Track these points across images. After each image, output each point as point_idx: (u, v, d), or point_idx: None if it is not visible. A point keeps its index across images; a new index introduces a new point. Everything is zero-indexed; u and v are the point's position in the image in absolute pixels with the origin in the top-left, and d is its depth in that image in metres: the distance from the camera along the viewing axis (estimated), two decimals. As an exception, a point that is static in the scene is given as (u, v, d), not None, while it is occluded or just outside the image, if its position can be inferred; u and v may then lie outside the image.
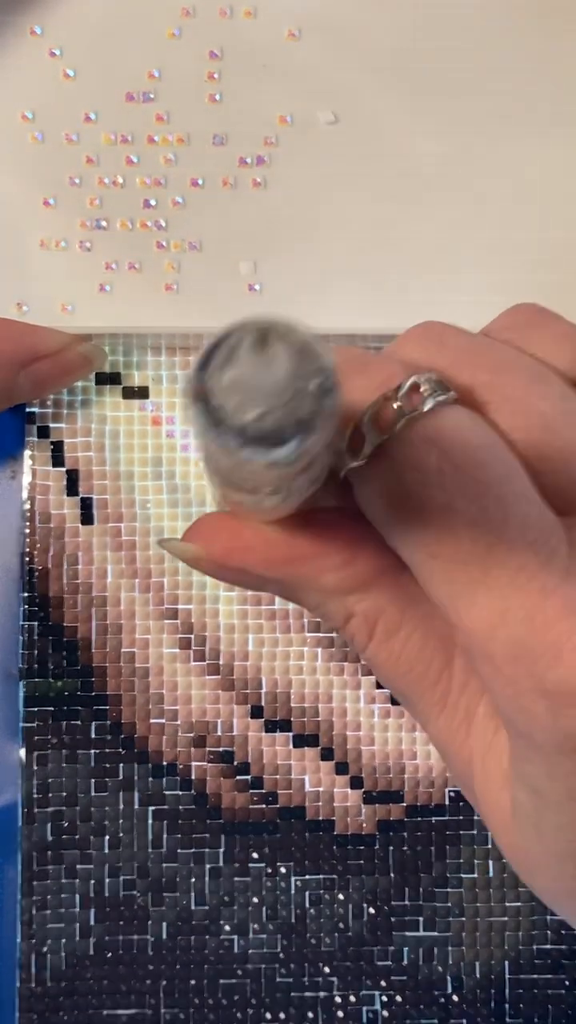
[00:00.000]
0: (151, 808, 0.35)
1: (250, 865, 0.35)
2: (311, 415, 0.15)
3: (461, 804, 0.35)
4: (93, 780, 0.35)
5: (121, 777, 0.35)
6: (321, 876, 0.35)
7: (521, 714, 0.18)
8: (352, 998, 0.34)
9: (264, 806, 0.35)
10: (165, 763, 0.35)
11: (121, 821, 0.35)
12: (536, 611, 0.18)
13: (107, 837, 0.34)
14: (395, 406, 0.18)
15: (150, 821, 0.35)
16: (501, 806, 0.21)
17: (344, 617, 0.21)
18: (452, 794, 0.35)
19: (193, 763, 0.35)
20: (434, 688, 0.21)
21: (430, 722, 0.22)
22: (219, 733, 0.35)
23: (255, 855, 0.35)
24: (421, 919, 0.35)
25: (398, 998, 0.34)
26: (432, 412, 0.18)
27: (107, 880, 0.34)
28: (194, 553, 0.21)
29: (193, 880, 0.35)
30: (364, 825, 0.35)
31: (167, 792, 0.35)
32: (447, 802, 0.35)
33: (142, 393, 0.35)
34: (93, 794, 0.35)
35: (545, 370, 0.20)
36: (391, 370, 0.19)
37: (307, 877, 0.35)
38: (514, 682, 0.18)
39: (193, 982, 0.34)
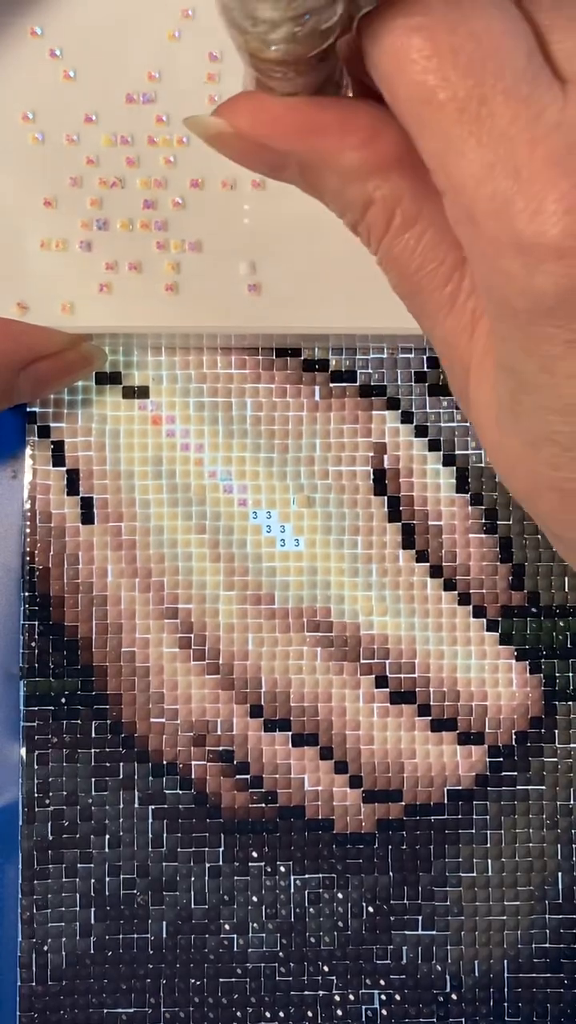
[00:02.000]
0: (151, 807, 0.35)
1: (250, 864, 0.35)
2: None
3: (460, 803, 0.35)
4: (93, 779, 0.35)
5: (121, 776, 0.35)
6: (320, 875, 0.35)
7: (499, 276, 0.18)
8: (351, 997, 0.34)
9: (264, 805, 0.35)
10: (165, 762, 0.35)
11: (121, 820, 0.35)
12: (523, 164, 0.18)
13: (107, 836, 0.35)
14: None
15: (150, 820, 0.35)
16: (489, 405, 0.21)
17: (363, 203, 0.21)
18: (451, 793, 0.35)
19: (193, 762, 0.35)
20: (443, 288, 0.21)
21: (437, 324, 0.22)
22: (219, 732, 0.35)
23: (255, 854, 0.35)
24: (420, 918, 0.35)
25: (397, 997, 0.34)
26: None
27: (107, 879, 0.34)
28: (219, 127, 0.21)
29: (193, 879, 0.35)
30: (363, 824, 0.35)
31: (167, 791, 0.35)
32: (446, 801, 0.35)
33: (142, 393, 0.35)
34: (93, 793, 0.35)
35: None
36: None
37: (306, 876, 0.35)
38: (494, 240, 0.18)
39: (193, 981, 0.34)
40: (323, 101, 0.20)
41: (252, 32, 0.18)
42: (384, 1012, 0.34)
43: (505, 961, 0.35)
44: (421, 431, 0.36)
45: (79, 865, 0.34)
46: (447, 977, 0.35)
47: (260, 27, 0.18)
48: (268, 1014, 0.34)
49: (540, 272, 0.18)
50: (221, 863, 0.35)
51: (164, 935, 0.34)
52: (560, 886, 0.35)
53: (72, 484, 0.35)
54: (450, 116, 0.18)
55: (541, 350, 0.19)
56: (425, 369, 0.36)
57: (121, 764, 0.35)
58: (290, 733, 0.35)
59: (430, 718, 0.35)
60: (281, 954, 0.35)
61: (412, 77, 0.18)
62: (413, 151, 0.20)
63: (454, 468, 0.36)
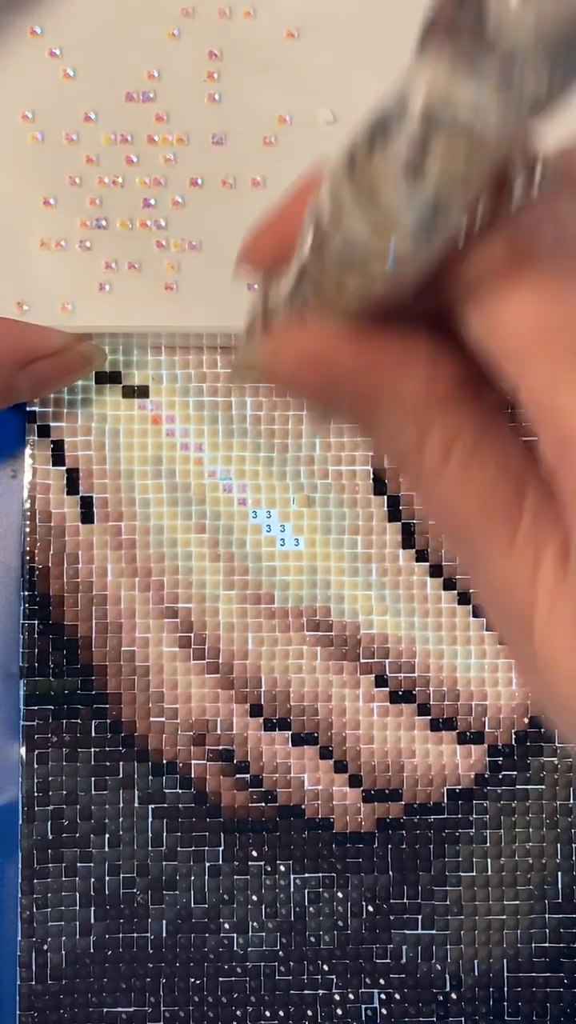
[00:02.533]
0: (151, 806, 0.35)
1: (249, 863, 0.35)
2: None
3: (460, 803, 0.35)
4: (93, 778, 0.35)
5: (121, 775, 0.35)
6: (320, 874, 0.35)
7: None
8: (351, 996, 0.34)
9: (263, 804, 0.35)
10: (165, 762, 0.35)
11: (121, 819, 0.35)
12: None
13: (107, 835, 0.35)
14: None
15: (150, 819, 0.35)
16: (566, 655, 0.19)
17: (420, 434, 0.19)
18: (451, 793, 0.35)
19: (193, 761, 0.35)
20: (503, 523, 0.20)
21: (492, 562, 0.20)
22: (219, 732, 0.35)
23: (254, 853, 0.35)
24: (420, 917, 0.35)
25: (397, 996, 0.34)
26: None
27: (107, 878, 0.34)
28: (269, 354, 0.19)
29: (193, 878, 0.35)
30: (363, 823, 0.35)
31: (167, 790, 0.35)
32: (446, 801, 0.35)
33: (142, 392, 0.35)
34: (93, 792, 0.35)
35: None
36: None
37: (306, 875, 0.35)
38: None
39: (193, 980, 0.34)
40: (380, 329, 0.19)
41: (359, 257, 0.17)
42: (384, 1011, 0.34)
43: (505, 961, 0.35)
44: (421, 430, 0.36)
45: (79, 864, 0.34)
46: (447, 977, 0.35)
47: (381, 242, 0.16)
48: (268, 1013, 0.34)
49: None
50: (221, 862, 0.35)
51: (164, 935, 0.34)
52: (560, 886, 0.35)
53: (72, 483, 0.35)
54: (565, 349, 0.17)
55: None
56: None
57: (121, 763, 0.35)
58: (290, 732, 0.35)
59: (430, 718, 0.35)
60: (281, 954, 0.35)
61: (527, 307, 0.17)
62: (472, 382, 0.19)
63: (454, 467, 0.35)
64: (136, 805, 0.35)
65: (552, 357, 0.17)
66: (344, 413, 0.20)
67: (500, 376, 0.18)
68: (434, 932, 0.35)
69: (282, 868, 0.35)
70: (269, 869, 0.35)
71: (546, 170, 0.17)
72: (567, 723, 0.20)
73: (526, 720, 0.35)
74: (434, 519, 0.21)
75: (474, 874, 0.35)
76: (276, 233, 0.20)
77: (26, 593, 0.35)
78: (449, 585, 0.35)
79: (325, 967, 0.35)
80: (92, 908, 0.34)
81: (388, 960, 0.35)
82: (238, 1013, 0.34)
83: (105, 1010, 0.34)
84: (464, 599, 0.35)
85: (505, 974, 0.35)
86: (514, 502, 0.19)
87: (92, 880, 0.34)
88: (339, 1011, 0.34)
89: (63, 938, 0.34)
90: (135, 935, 0.34)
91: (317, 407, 0.21)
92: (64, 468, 0.35)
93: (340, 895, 0.35)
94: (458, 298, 0.18)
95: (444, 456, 0.19)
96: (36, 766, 0.35)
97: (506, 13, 0.13)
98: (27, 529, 0.35)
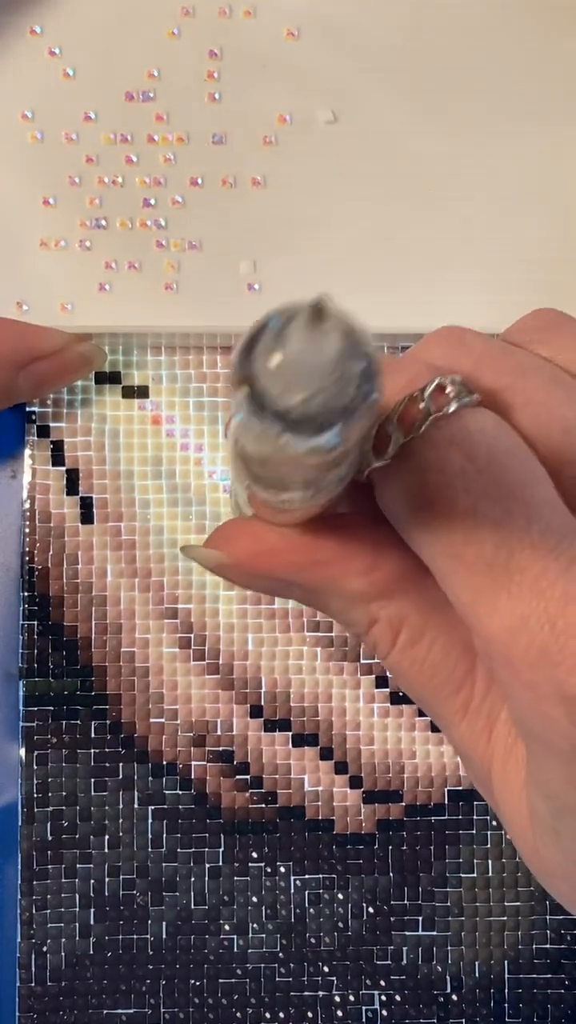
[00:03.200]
0: (151, 808, 0.35)
1: (249, 865, 0.35)
2: (354, 400, 0.14)
3: (460, 804, 0.35)
4: (93, 780, 0.35)
5: (121, 777, 0.35)
6: (320, 876, 0.35)
7: (540, 720, 0.18)
8: (351, 997, 0.34)
9: (264, 806, 0.35)
10: (165, 763, 0.35)
11: (121, 821, 0.35)
12: (557, 616, 0.18)
13: (107, 837, 0.34)
14: (420, 406, 0.18)
15: (150, 821, 0.35)
16: (520, 811, 0.21)
17: (367, 623, 0.21)
18: (451, 793, 0.35)
19: (193, 763, 0.35)
20: (456, 694, 0.21)
21: (452, 728, 0.22)
22: (219, 733, 0.35)
23: (254, 855, 0.35)
24: (420, 918, 0.35)
25: (397, 998, 0.34)
26: (457, 413, 0.18)
27: (107, 880, 0.34)
28: (218, 559, 0.21)
29: (193, 880, 0.35)
30: (363, 824, 0.35)
31: (167, 792, 0.35)
32: (446, 801, 0.35)
33: (142, 393, 0.35)
34: (93, 794, 0.35)
35: (564, 374, 0.20)
36: (416, 370, 0.19)
37: (306, 876, 0.35)
38: (533, 687, 0.18)
39: (193, 981, 0.34)
40: (320, 531, 0.20)
41: (276, 497, 0.18)
42: (384, 1013, 0.34)
43: (505, 962, 0.35)
44: (421, 431, 0.35)
45: (79, 865, 0.34)
46: (447, 978, 0.35)
47: (288, 492, 0.18)
48: (268, 1014, 0.34)
49: None
50: (221, 863, 0.35)
51: (164, 935, 0.34)
52: (561, 887, 0.35)
53: (72, 484, 0.35)
54: (478, 571, 0.18)
55: None
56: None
57: (121, 764, 0.35)
58: (290, 733, 0.35)
59: (430, 719, 0.35)
60: (281, 954, 0.34)
61: (439, 539, 0.18)
62: (416, 566, 0.19)
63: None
64: (136, 806, 0.35)
65: (469, 571, 0.18)
66: (299, 600, 0.21)
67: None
68: (435, 933, 0.35)
69: (282, 869, 0.35)
70: (269, 870, 0.35)
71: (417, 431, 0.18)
72: (523, 851, 0.21)
73: (527, 721, 0.35)
74: (399, 684, 0.23)
75: (475, 875, 0.35)
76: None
77: (26, 594, 0.35)
78: (449, 585, 0.35)
79: (325, 968, 0.34)
80: (92, 909, 0.34)
81: (389, 961, 0.35)
82: (238, 1015, 0.34)
83: (105, 1011, 0.34)
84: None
85: (506, 975, 0.35)
86: (464, 675, 0.21)
87: (92, 881, 0.34)
88: (339, 1012, 0.34)
89: (63, 939, 0.34)
90: (135, 936, 0.34)
91: (273, 595, 0.22)
92: (64, 468, 0.35)
93: (340, 896, 0.35)
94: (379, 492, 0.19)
95: (392, 640, 0.21)
96: (36, 767, 0.34)
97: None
98: (27, 530, 0.35)
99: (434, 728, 0.35)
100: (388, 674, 0.35)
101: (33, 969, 0.34)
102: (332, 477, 0.17)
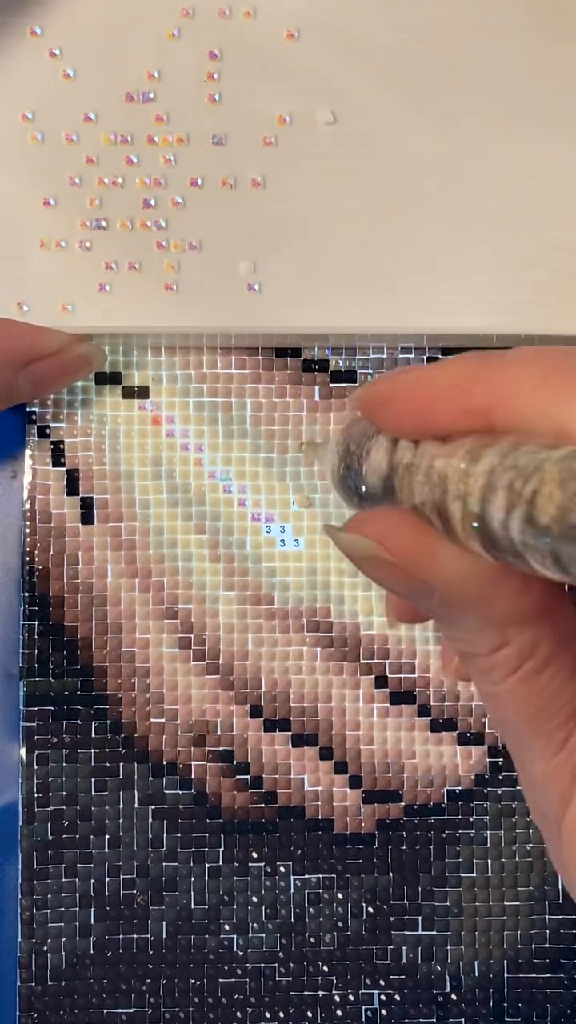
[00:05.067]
0: (151, 807, 0.35)
1: (249, 864, 0.35)
2: None
3: (460, 804, 0.35)
4: (93, 779, 0.35)
5: (121, 776, 0.35)
6: (320, 875, 0.35)
7: None
8: (351, 997, 0.34)
9: (263, 805, 0.35)
10: (165, 762, 0.35)
11: (121, 820, 0.35)
12: None
13: (107, 836, 0.35)
14: None
15: (150, 820, 0.35)
16: None
17: (495, 646, 0.20)
18: (451, 794, 0.35)
19: (193, 762, 0.35)
20: (559, 730, 0.21)
21: (539, 761, 0.21)
22: (219, 733, 0.35)
23: (254, 854, 0.35)
24: (420, 918, 0.35)
25: (397, 997, 0.34)
26: None
27: (107, 879, 0.34)
28: (373, 551, 0.20)
29: (193, 879, 0.35)
30: (363, 824, 0.35)
31: (167, 791, 0.35)
32: (446, 801, 0.35)
33: (142, 393, 0.35)
34: (93, 793, 0.35)
35: None
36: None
37: (306, 876, 0.35)
38: None
39: (192, 981, 0.34)
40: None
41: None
42: (384, 1012, 0.34)
43: (505, 961, 0.35)
44: (421, 431, 0.36)
45: (79, 865, 0.34)
46: (447, 977, 0.35)
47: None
48: (268, 1014, 0.34)
49: None
50: (221, 863, 0.35)
51: (164, 935, 0.34)
52: (560, 886, 0.35)
53: (72, 484, 0.35)
54: None
55: None
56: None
57: (121, 764, 0.35)
58: (290, 733, 0.35)
59: (430, 718, 0.35)
60: (281, 954, 0.35)
61: None
62: (555, 600, 0.20)
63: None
64: (136, 806, 0.35)
65: None
66: (431, 609, 0.21)
67: None
68: (434, 933, 0.35)
69: (282, 869, 0.35)
70: (269, 870, 0.35)
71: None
72: None
73: (526, 721, 0.35)
74: (488, 708, 0.22)
75: (474, 875, 0.35)
76: (416, 398, 0.20)
77: (26, 594, 0.35)
78: (449, 586, 0.35)
79: (325, 968, 0.35)
80: (92, 909, 0.34)
81: (388, 961, 0.35)
82: (238, 1014, 0.34)
83: (105, 1011, 0.34)
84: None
85: (505, 975, 0.35)
86: (571, 714, 0.21)
87: (92, 881, 0.34)
88: (339, 1012, 0.34)
89: (63, 939, 0.34)
90: (135, 936, 0.34)
91: (408, 599, 0.21)
92: (64, 469, 0.35)
93: (340, 896, 0.35)
94: None
95: (514, 668, 0.20)
96: (36, 767, 0.34)
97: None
98: (27, 530, 0.35)
99: (434, 728, 0.35)
100: (388, 674, 0.35)
101: (33, 968, 0.34)
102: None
